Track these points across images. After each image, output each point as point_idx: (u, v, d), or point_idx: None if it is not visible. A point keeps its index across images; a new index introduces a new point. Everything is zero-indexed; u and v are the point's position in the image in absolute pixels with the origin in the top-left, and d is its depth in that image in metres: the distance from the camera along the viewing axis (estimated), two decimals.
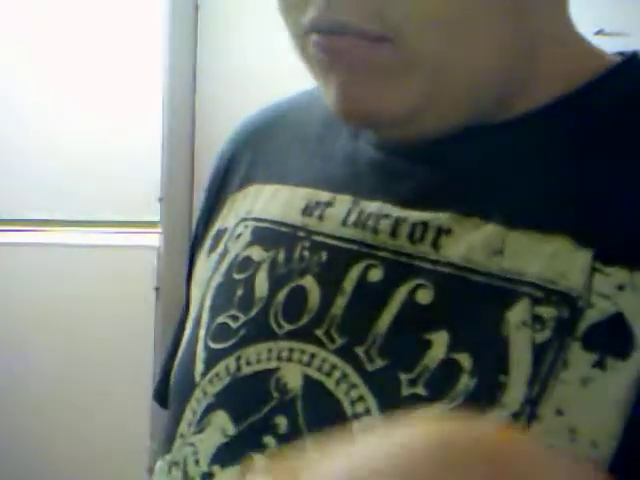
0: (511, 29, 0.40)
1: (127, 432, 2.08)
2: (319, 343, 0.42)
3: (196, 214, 2.55)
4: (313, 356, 0.42)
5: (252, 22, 2.48)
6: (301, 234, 0.46)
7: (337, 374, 0.41)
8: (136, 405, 2.08)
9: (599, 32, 2.28)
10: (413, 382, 0.38)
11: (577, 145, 0.41)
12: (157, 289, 2.12)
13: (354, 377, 0.40)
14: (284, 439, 0.41)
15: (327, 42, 0.40)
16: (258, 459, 0.42)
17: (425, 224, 0.41)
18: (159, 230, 2.15)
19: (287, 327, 0.44)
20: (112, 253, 2.14)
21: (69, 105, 2.18)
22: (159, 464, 0.49)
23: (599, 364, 0.35)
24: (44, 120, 2.19)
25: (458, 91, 0.40)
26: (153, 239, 2.14)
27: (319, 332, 0.42)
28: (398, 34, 0.39)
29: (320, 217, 0.46)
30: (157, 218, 2.14)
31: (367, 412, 0.39)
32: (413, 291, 0.40)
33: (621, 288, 0.35)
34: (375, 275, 0.42)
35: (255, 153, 0.55)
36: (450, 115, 0.41)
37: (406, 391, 0.39)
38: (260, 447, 0.42)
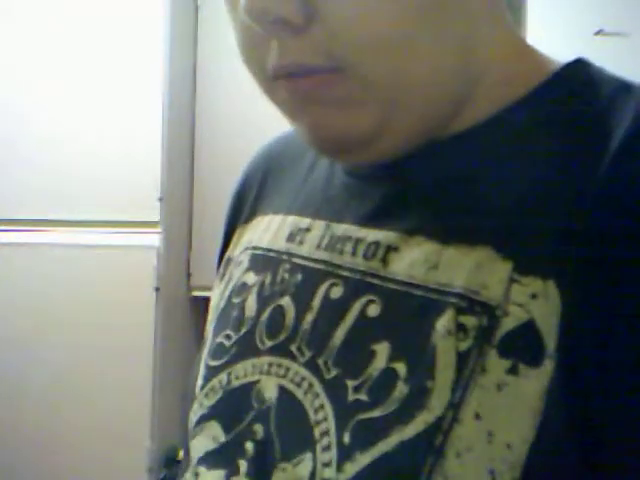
0: (454, 48, 0.42)
1: (127, 432, 2.08)
2: (292, 357, 0.46)
3: (196, 214, 2.56)
4: (287, 369, 0.46)
5: None
6: (284, 258, 0.51)
7: (305, 385, 0.45)
8: (136, 405, 2.08)
9: (599, 32, 2.28)
10: (357, 389, 0.42)
11: (504, 158, 0.43)
12: (157, 289, 2.12)
13: (317, 387, 0.44)
14: (260, 445, 0.45)
15: (292, 85, 0.43)
16: (241, 464, 0.46)
17: (377, 243, 0.45)
18: (159, 230, 2.15)
19: (268, 343, 0.49)
20: (112, 253, 2.14)
21: (69, 105, 2.18)
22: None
23: (512, 370, 0.37)
24: (44, 120, 2.19)
25: (412, 110, 0.43)
26: (153, 239, 2.14)
27: (293, 347, 0.47)
28: (347, 66, 0.41)
29: (300, 242, 0.51)
30: (157, 218, 2.14)
31: (325, 419, 0.42)
32: (365, 305, 0.44)
33: (534, 297, 0.37)
34: (336, 292, 0.46)
35: (261, 186, 0.59)
36: (407, 134, 0.44)
37: (351, 397, 0.42)
38: (243, 453, 0.46)
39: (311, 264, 0.49)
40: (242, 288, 0.53)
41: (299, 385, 0.45)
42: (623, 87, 0.42)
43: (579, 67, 0.47)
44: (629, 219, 0.36)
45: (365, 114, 0.42)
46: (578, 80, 0.45)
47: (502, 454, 0.36)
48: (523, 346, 0.37)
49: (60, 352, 2.12)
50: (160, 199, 2.14)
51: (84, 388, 2.11)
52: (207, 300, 2.34)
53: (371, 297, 0.43)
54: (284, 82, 0.43)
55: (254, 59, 0.44)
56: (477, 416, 0.37)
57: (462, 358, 0.39)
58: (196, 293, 2.36)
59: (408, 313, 0.41)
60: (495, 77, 0.46)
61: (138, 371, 2.09)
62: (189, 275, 2.37)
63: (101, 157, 2.16)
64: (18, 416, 2.14)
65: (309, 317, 0.46)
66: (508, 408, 0.37)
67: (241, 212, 0.61)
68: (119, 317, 2.10)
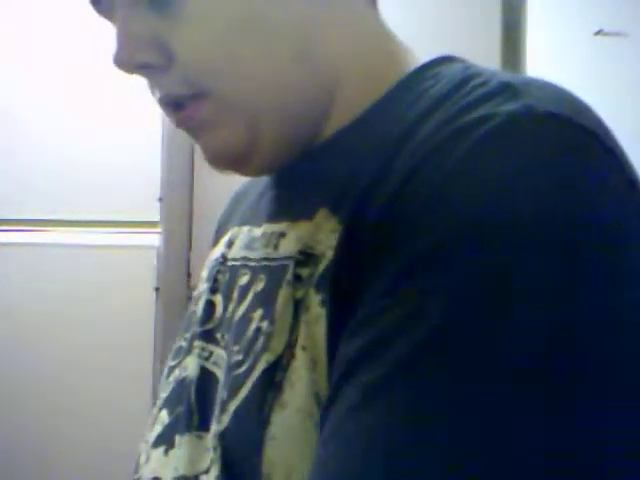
0: (291, 57, 0.49)
1: (127, 432, 2.08)
2: (216, 342, 0.55)
3: (196, 214, 2.57)
4: (211, 353, 0.55)
5: None
6: (221, 261, 0.60)
7: (222, 363, 0.53)
8: (136, 405, 2.09)
9: (599, 32, 2.28)
10: (238, 352, 0.50)
11: (354, 156, 0.50)
12: (157, 289, 2.12)
13: (224, 360, 0.52)
14: (185, 417, 0.54)
15: (173, 118, 0.52)
16: (176, 438, 0.54)
17: (272, 233, 0.53)
18: (159, 230, 2.15)
19: (198, 330, 0.58)
20: (112, 253, 2.14)
21: (69, 105, 2.19)
22: None
23: (324, 303, 0.44)
24: (44, 120, 2.19)
25: (274, 122, 0.50)
26: (153, 239, 2.14)
27: (218, 334, 0.55)
28: (206, 91, 0.49)
29: (230, 246, 0.60)
30: (157, 218, 2.14)
31: (223, 387, 0.51)
32: (257, 284, 0.52)
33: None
34: (244, 280, 0.54)
35: (229, 215, 0.69)
36: (278, 143, 0.51)
37: (232, 359, 0.50)
38: (182, 430, 0.54)
39: (234, 262, 0.57)
40: (197, 297, 0.62)
41: (218, 365, 0.53)
42: (456, 87, 0.45)
43: (432, 65, 0.52)
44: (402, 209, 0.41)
45: (233, 132, 0.50)
46: (423, 79, 0.50)
47: (323, 378, 0.42)
48: (332, 282, 0.44)
49: (60, 352, 2.12)
50: (160, 199, 2.14)
51: (84, 388, 2.11)
52: None
53: (261, 276, 0.51)
54: (167, 114, 0.52)
55: (151, 91, 0.53)
56: (303, 348, 0.44)
57: (298, 303, 0.46)
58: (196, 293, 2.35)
59: (275, 280, 0.49)
60: (353, 80, 0.52)
61: (138, 371, 2.09)
62: (189, 275, 2.37)
63: (101, 157, 2.16)
64: (18, 416, 2.14)
65: (231, 307, 0.54)
66: (323, 337, 0.43)
67: (214, 239, 0.69)
68: (119, 317, 2.10)
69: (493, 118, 0.40)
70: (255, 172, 0.55)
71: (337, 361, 0.40)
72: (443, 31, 2.42)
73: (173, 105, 0.51)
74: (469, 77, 0.46)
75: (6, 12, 2.23)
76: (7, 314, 2.17)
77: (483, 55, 2.43)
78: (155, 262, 2.13)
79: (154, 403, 0.60)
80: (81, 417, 2.11)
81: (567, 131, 0.41)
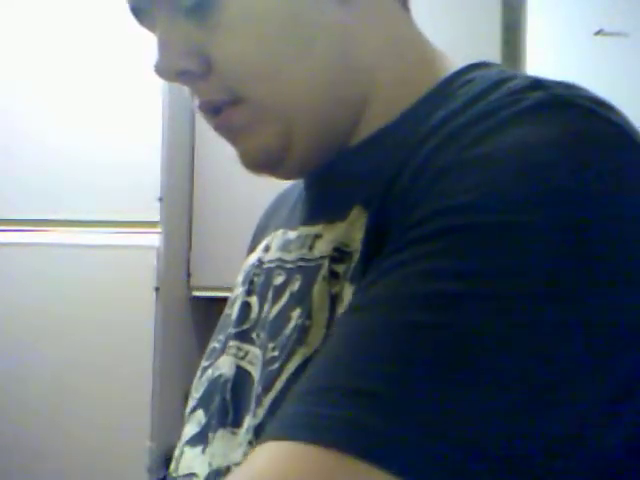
0: (326, 61, 0.51)
1: (127, 432, 2.09)
2: (252, 341, 0.56)
3: (196, 214, 2.56)
4: (247, 352, 0.56)
5: None
6: (257, 264, 0.61)
7: (256, 361, 0.54)
8: (136, 405, 2.09)
9: (599, 32, 2.28)
10: (273, 348, 0.51)
11: (384, 159, 0.50)
12: (157, 289, 2.12)
13: (259, 358, 0.53)
14: (218, 414, 0.55)
15: (212, 123, 0.54)
16: (211, 438, 0.55)
17: (308, 235, 0.54)
18: (159, 230, 2.15)
19: (234, 331, 0.59)
20: (112, 253, 2.14)
21: (70, 105, 2.18)
22: None
23: (355, 292, 0.45)
24: (44, 120, 2.19)
25: (309, 122, 0.52)
26: (153, 239, 2.14)
27: (253, 334, 0.56)
28: (244, 96, 0.51)
29: (267, 250, 0.61)
30: (157, 218, 2.14)
31: (258, 383, 0.52)
32: (293, 284, 0.53)
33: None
34: (279, 280, 0.55)
35: (267, 220, 0.69)
36: (312, 143, 0.53)
37: (268, 355, 0.51)
38: (216, 426, 0.55)
39: (270, 265, 0.58)
40: (233, 300, 0.63)
41: (253, 363, 0.54)
42: (489, 88, 0.46)
43: (467, 71, 0.52)
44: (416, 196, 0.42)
45: (269, 133, 0.52)
46: (457, 84, 0.50)
47: None
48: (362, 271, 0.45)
49: (60, 352, 2.12)
50: (160, 199, 2.14)
51: (84, 388, 2.11)
52: (207, 300, 2.36)
53: (297, 276, 0.53)
54: (207, 119, 0.54)
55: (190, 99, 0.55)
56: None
57: (334, 298, 0.47)
58: (196, 293, 2.35)
59: (311, 278, 0.50)
60: (388, 86, 0.53)
61: (138, 371, 2.09)
62: (189, 275, 2.37)
63: (101, 157, 2.16)
64: (18, 415, 2.14)
65: (266, 307, 0.55)
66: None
67: (252, 244, 0.70)
68: (119, 317, 2.10)
69: (519, 102, 0.42)
70: (290, 175, 0.57)
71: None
72: (443, 31, 2.42)
73: (212, 110, 0.53)
74: (503, 80, 0.46)
75: (6, 11, 2.23)
76: (7, 314, 2.17)
77: (483, 55, 2.43)
78: (155, 262, 2.13)
79: (185, 404, 0.61)
80: (81, 416, 2.11)
81: (592, 120, 0.42)
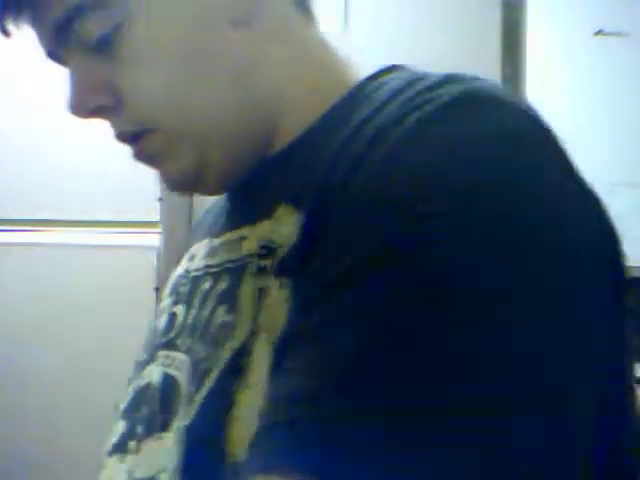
0: (228, 82, 0.53)
1: None
2: (177, 348, 0.56)
3: (196, 214, 2.57)
4: (173, 359, 0.56)
5: None
6: (184, 275, 0.62)
7: (183, 366, 0.54)
8: None
9: (599, 32, 2.28)
10: (204, 348, 0.51)
11: (297, 164, 0.53)
12: (157, 289, 2.12)
13: (188, 363, 0.53)
14: (146, 423, 0.55)
15: (132, 150, 0.57)
16: (130, 444, 0.55)
17: (234, 238, 0.55)
18: (159, 230, 2.15)
19: (162, 340, 0.59)
20: (112, 253, 2.14)
21: None
22: None
23: (282, 286, 0.46)
24: (44, 120, 2.19)
25: (221, 142, 0.54)
26: (153, 239, 2.14)
27: (178, 341, 0.57)
28: (155, 126, 0.53)
29: (192, 259, 0.62)
30: (157, 218, 2.14)
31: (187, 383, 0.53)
32: (220, 285, 0.54)
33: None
34: (205, 285, 0.56)
35: (194, 233, 0.71)
36: (227, 161, 0.55)
37: (198, 356, 0.51)
38: (135, 435, 0.55)
39: (196, 273, 0.59)
40: (160, 313, 0.64)
41: (179, 369, 0.54)
42: (402, 88, 0.47)
43: (377, 76, 0.54)
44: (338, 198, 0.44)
45: (184, 159, 0.54)
46: (369, 89, 0.52)
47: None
48: (292, 265, 0.46)
49: (60, 352, 2.12)
50: (160, 199, 2.14)
51: (84, 388, 2.11)
52: None
53: (224, 277, 0.53)
54: (128, 147, 0.56)
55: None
56: (265, 331, 0.46)
57: (261, 293, 0.48)
58: None
59: (238, 277, 0.51)
60: (298, 97, 0.55)
61: None
62: None
63: (101, 157, 2.16)
64: (18, 415, 2.14)
65: (192, 312, 0.56)
66: (284, 317, 0.45)
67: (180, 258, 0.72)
68: (119, 317, 2.10)
69: (435, 100, 0.43)
70: (212, 192, 0.60)
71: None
72: (443, 31, 2.42)
73: (130, 139, 0.55)
74: (415, 80, 0.47)
75: None
76: (7, 314, 2.17)
77: (483, 55, 2.43)
78: (155, 262, 2.13)
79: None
80: (81, 416, 2.11)
81: (509, 113, 0.44)
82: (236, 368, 0.47)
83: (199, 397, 0.49)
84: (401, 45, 2.44)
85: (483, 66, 2.39)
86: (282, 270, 0.47)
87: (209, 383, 0.49)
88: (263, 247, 0.50)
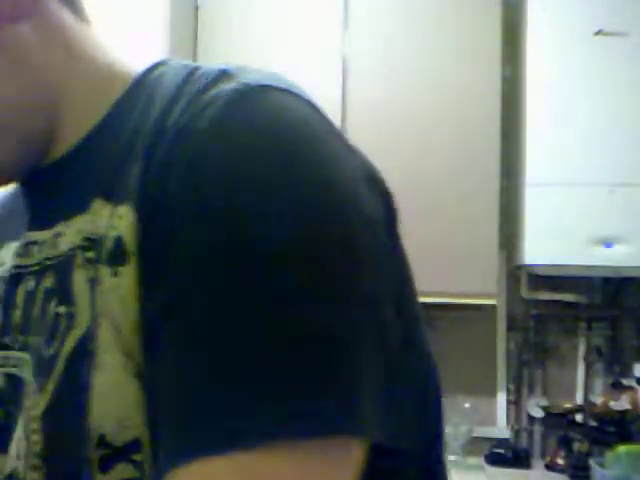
0: (20, 79, 0.55)
1: None
2: (7, 347, 0.57)
3: None
4: (6, 358, 0.57)
5: (252, 22, 2.48)
6: None
7: (21, 363, 0.55)
8: None
9: (599, 32, 2.29)
10: (44, 342, 0.53)
11: (114, 148, 0.55)
12: None
13: (28, 358, 0.55)
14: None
15: None
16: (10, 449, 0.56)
17: (48, 238, 0.57)
18: None
19: None
20: None
21: None
22: None
23: (115, 274, 0.49)
24: None
25: (2, 145, 0.56)
26: None
27: (7, 340, 0.58)
28: None
29: (3, 263, 0.63)
30: None
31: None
32: (45, 282, 0.55)
33: (121, 218, 0.50)
34: (30, 285, 0.57)
35: None
36: (11, 157, 0.57)
37: (39, 351, 0.53)
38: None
39: (10, 274, 0.60)
40: None
41: (17, 366, 0.56)
42: (184, 81, 0.52)
43: (152, 70, 0.59)
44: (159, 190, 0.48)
45: None
46: (148, 83, 0.57)
47: (128, 337, 0.48)
48: (118, 254, 0.49)
49: None
50: None
51: None
52: None
53: (48, 274, 0.55)
54: None
55: None
56: (105, 316, 0.49)
57: (92, 281, 0.51)
58: None
59: (65, 270, 0.54)
60: (78, 94, 0.58)
61: None
62: None
63: None
64: None
65: (18, 313, 0.57)
66: (118, 302, 0.48)
67: None
68: None
69: (215, 102, 0.47)
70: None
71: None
72: (443, 31, 2.42)
73: None
74: (191, 71, 0.53)
75: None
76: None
77: (483, 55, 2.43)
78: None
79: None
80: None
81: (282, 97, 0.49)
82: (84, 352, 0.49)
83: (50, 386, 0.51)
84: (400, 45, 2.44)
85: (483, 66, 2.39)
86: (111, 259, 0.50)
87: (58, 371, 0.51)
88: (86, 239, 0.53)
